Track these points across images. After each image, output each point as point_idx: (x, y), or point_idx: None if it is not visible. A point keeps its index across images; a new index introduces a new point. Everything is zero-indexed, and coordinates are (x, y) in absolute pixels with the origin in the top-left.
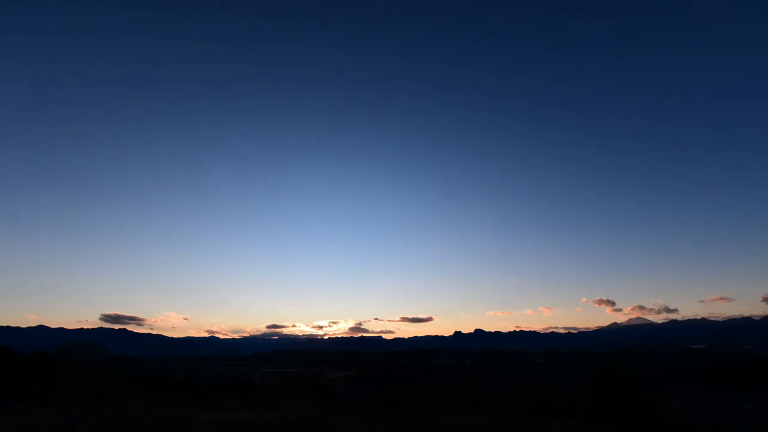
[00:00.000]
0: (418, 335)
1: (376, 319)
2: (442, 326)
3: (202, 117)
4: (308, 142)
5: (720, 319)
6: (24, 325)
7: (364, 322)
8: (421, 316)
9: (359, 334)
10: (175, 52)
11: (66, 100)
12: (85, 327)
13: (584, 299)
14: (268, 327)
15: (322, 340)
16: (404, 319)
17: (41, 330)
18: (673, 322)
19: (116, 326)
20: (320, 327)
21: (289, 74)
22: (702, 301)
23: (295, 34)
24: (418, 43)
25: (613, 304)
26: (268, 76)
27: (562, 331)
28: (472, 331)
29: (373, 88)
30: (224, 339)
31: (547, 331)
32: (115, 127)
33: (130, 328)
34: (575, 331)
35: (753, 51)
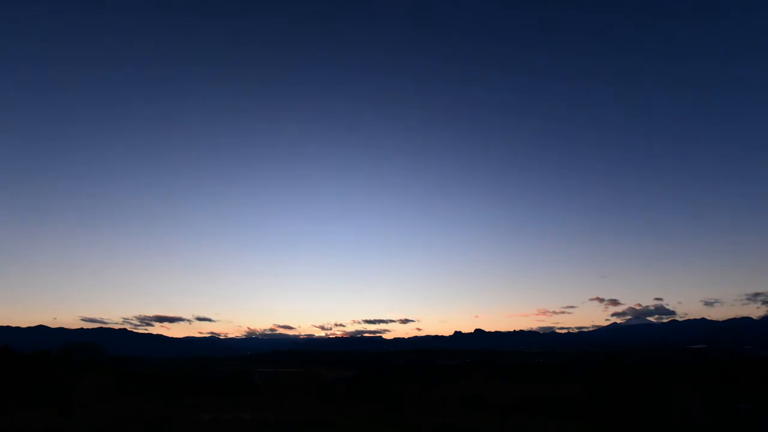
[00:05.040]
0: (418, 335)
1: (376, 319)
2: (441, 326)
3: (207, 120)
4: (308, 144)
5: (720, 319)
6: (24, 325)
7: (364, 321)
8: (420, 315)
9: (359, 334)
10: (182, 54)
11: (79, 103)
12: (84, 327)
13: (584, 299)
14: (268, 327)
15: (322, 340)
16: (404, 319)
17: (41, 330)
18: (673, 322)
19: (116, 326)
20: (320, 327)
21: (293, 76)
22: (702, 301)
23: (297, 35)
24: (416, 42)
25: (612, 303)
26: (273, 77)
27: (562, 331)
28: (472, 331)
29: (368, 90)
30: (224, 339)
31: (547, 331)
32: (117, 128)
33: (130, 328)
34: (575, 331)
35: (752, 55)
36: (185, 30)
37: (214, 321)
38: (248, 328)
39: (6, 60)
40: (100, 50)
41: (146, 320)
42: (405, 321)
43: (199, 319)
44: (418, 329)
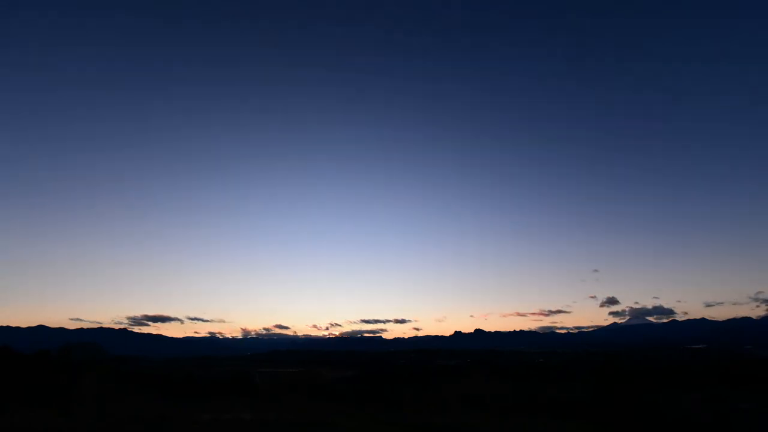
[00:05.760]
0: (418, 335)
1: (373, 319)
2: (441, 326)
3: (203, 119)
4: (304, 144)
5: (720, 319)
6: (24, 325)
7: (361, 321)
8: (419, 315)
9: (359, 334)
10: (182, 55)
11: (77, 104)
12: (85, 327)
13: (584, 299)
14: (261, 327)
15: (322, 340)
16: (401, 319)
17: (41, 330)
18: (673, 322)
19: (117, 326)
20: (313, 326)
21: (294, 75)
22: (702, 301)
23: (297, 34)
24: (415, 42)
25: (612, 303)
26: (275, 77)
27: (562, 331)
28: (472, 331)
29: (366, 92)
30: (224, 339)
31: (547, 331)
32: (114, 129)
33: (130, 328)
34: (575, 331)
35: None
36: (192, 30)
37: (206, 321)
38: (241, 328)
39: (4, 60)
40: (98, 50)
41: (136, 321)
42: (402, 321)
43: (191, 318)
44: (415, 329)
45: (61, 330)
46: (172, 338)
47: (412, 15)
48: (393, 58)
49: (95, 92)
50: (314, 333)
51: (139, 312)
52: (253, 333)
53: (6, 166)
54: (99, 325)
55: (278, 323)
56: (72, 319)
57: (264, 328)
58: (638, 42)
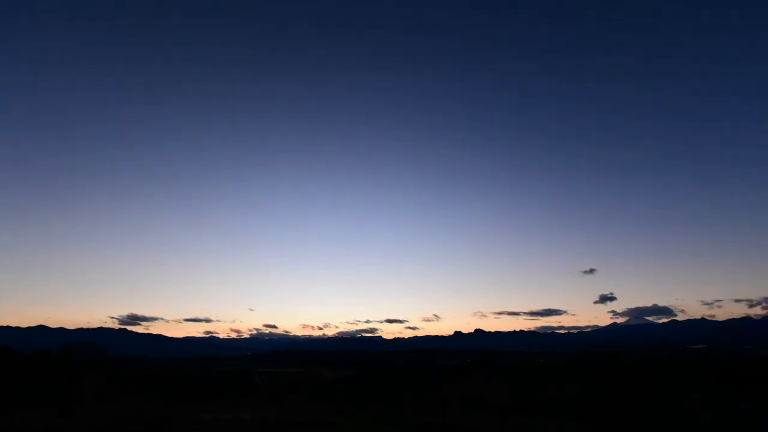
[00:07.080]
0: (418, 335)
1: (369, 319)
2: (441, 326)
3: (200, 119)
4: (300, 146)
5: (720, 319)
6: (24, 325)
7: (356, 321)
8: (421, 315)
9: (358, 334)
10: (183, 53)
11: (76, 105)
12: (85, 327)
13: (584, 299)
14: (258, 327)
15: (322, 340)
16: (397, 319)
17: (41, 330)
18: (673, 322)
19: (116, 326)
20: (312, 327)
21: (295, 76)
22: (702, 301)
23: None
24: (417, 42)
25: (612, 303)
26: (279, 79)
27: (562, 331)
28: (472, 331)
29: (364, 92)
30: (224, 339)
31: (547, 331)
32: (109, 129)
33: (130, 328)
34: (575, 331)
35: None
36: (195, 29)
37: (198, 321)
38: (231, 328)
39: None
40: (94, 50)
41: (123, 320)
42: (395, 321)
43: (177, 319)
44: (409, 328)
45: (61, 330)
46: (171, 338)
47: (412, 16)
48: (391, 59)
49: (95, 92)
50: (315, 333)
51: (116, 313)
52: (246, 333)
53: (6, 167)
54: (99, 325)
55: (267, 323)
56: (49, 318)
57: (255, 328)
58: (640, 42)
